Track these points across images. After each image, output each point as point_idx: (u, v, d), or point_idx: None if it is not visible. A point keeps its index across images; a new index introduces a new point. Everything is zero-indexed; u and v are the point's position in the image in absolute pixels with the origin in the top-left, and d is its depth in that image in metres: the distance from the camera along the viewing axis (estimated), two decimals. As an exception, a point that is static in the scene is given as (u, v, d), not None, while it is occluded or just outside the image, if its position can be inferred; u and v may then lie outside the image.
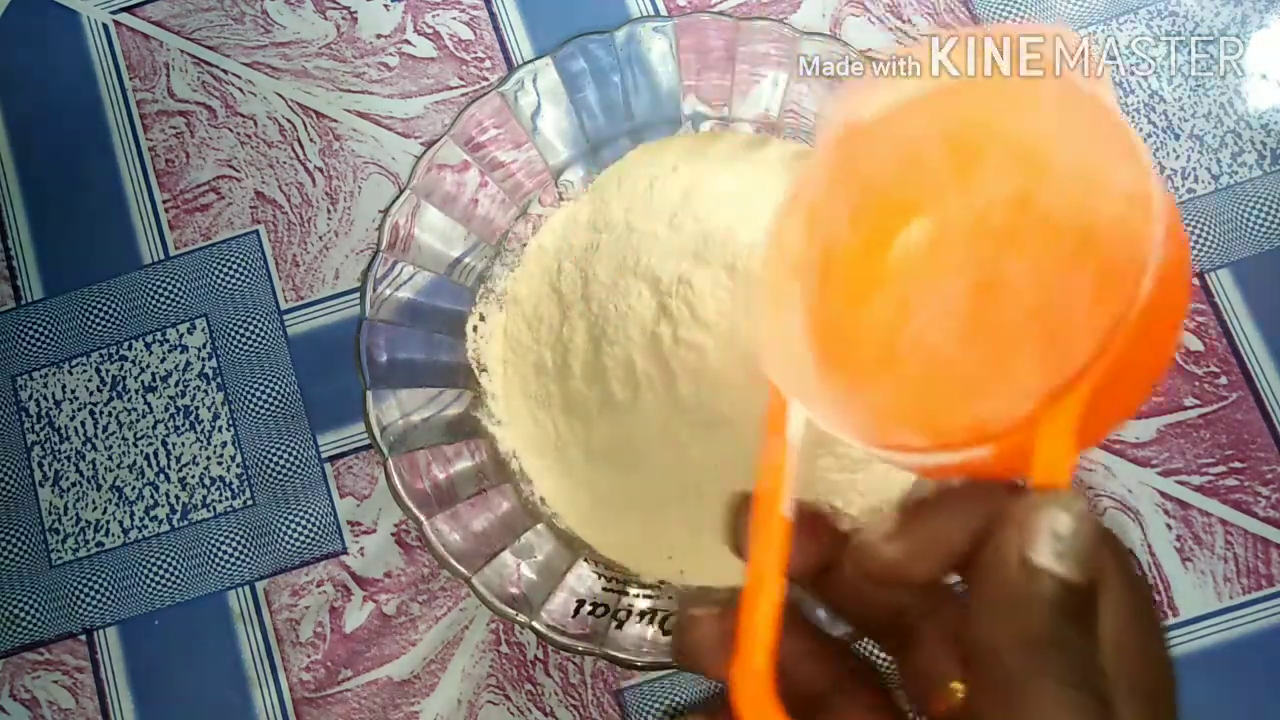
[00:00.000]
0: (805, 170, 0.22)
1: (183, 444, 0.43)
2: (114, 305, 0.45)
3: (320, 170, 0.46)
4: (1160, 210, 0.17)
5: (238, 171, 0.46)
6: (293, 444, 0.43)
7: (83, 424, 0.44)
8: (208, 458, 0.43)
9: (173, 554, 0.42)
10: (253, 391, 0.44)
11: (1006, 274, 0.19)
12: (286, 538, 0.42)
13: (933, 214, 0.21)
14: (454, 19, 0.47)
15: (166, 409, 0.44)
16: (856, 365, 0.21)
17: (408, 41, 0.47)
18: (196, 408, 0.44)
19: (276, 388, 0.44)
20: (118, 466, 0.43)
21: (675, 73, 0.39)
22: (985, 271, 0.19)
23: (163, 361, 0.44)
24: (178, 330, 0.45)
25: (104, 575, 0.42)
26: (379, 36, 0.47)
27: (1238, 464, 0.40)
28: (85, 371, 0.45)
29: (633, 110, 0.40)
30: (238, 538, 0.42)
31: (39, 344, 0.45)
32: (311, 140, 0.46)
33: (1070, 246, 0.18)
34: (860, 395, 0.20)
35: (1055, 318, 0.18)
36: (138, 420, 0.44)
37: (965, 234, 0.20)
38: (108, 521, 0.43)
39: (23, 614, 0.42)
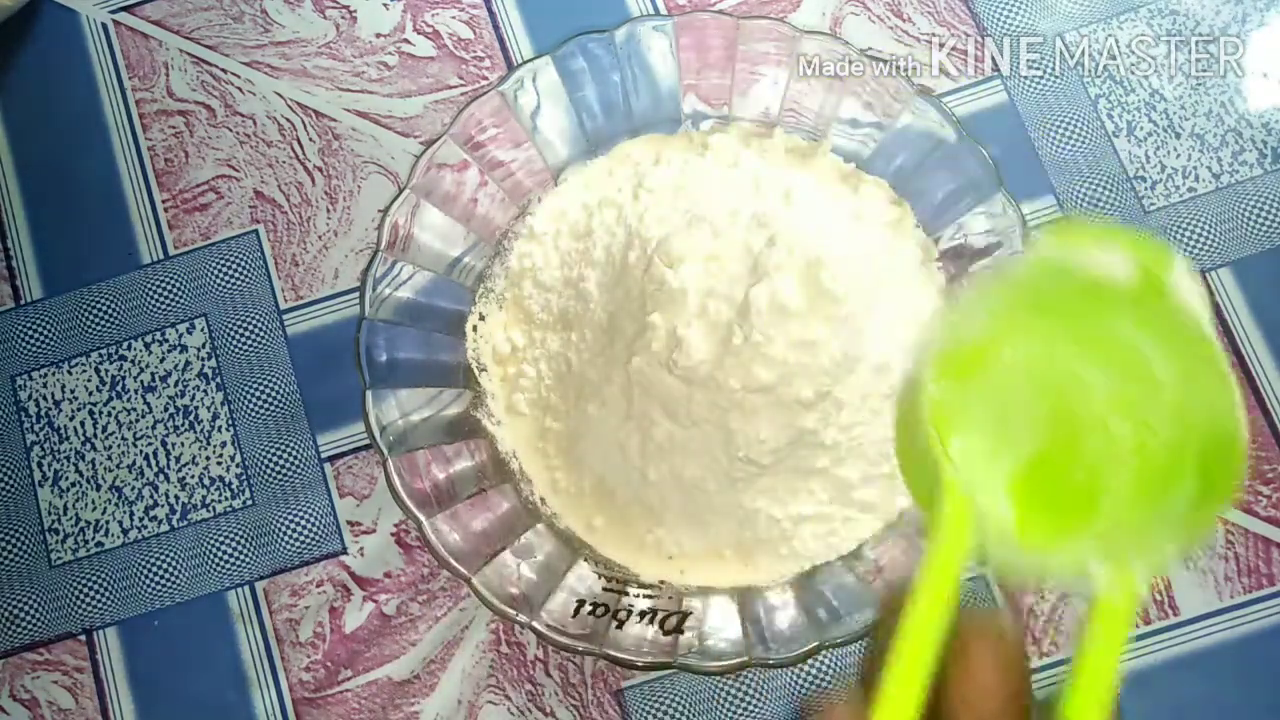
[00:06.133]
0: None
1: (182, 444, 0.43)
2: (113, 305, 0.45)
3: (320, 170, 0.46)
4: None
5: (237, 171, 0.46)
6: (292, 444, 0.43)
7: (82, 424, 0.44)
8: (207, 458, 0.43)
9: (172, 554, 0.42)
10: (252, 391, 0.44)
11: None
12: (286, 538, 0.42)
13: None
14: (453, 18, 0.47)
15: (166, 409, 0.44)
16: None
17: (407, 40, 0.47)
18: (196, 408, 0.44)
19: (276, 387, 0.44)
20: (117, 466, 0.43)
21: (675, 71, 0.39)
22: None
23: (162, 361, 0.44)
24: (177, 330, 0.45)
25: (104, 575, 0.42)
26: (378, 36, 0.47)
27: (1238, 463, 0.40)
28: (85, 371, 0.45)
29: (632, 109, 0.40)
30: (237, 538, 0.42)
31: (38, 344, 0.45)
32: (311, 140, 0.46)
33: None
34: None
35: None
36: (137, 420, 0.44)
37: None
38: (107, 521, 0.43)
39: (23, 614, 0.42)
